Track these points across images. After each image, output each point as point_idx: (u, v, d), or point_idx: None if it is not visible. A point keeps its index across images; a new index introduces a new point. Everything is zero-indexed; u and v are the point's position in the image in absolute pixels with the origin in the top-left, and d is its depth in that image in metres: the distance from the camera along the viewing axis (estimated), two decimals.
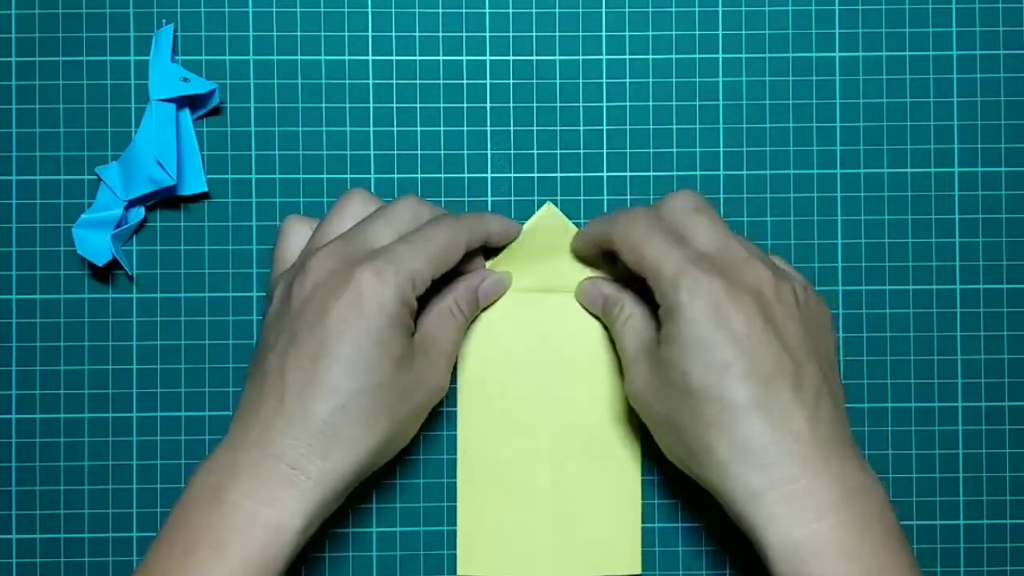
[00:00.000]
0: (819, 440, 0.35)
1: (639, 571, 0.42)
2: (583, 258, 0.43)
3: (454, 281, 0.42)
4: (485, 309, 0.43)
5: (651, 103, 0.44)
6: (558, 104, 0.44)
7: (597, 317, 0.43)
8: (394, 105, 0.43)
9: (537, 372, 0.43)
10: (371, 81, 0.43)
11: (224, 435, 0.37)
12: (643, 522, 0.43)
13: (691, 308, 0.36)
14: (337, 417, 0.36)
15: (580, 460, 0.42)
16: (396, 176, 0.43)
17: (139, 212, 0.43)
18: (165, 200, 0.43)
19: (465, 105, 0.44)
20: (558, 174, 0.44)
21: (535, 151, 0.44)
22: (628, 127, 0.44)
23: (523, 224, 0.43)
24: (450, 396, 0.43)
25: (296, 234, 0.41)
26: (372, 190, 0.43)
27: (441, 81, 0.43)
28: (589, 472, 0.42)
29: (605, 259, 0.42)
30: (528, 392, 0.42)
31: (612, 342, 0.42)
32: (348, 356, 0.36)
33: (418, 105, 0.43)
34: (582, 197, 0.43)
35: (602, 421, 0.42)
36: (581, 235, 0.42)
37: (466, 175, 0.43)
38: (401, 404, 0.38)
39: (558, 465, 0.42)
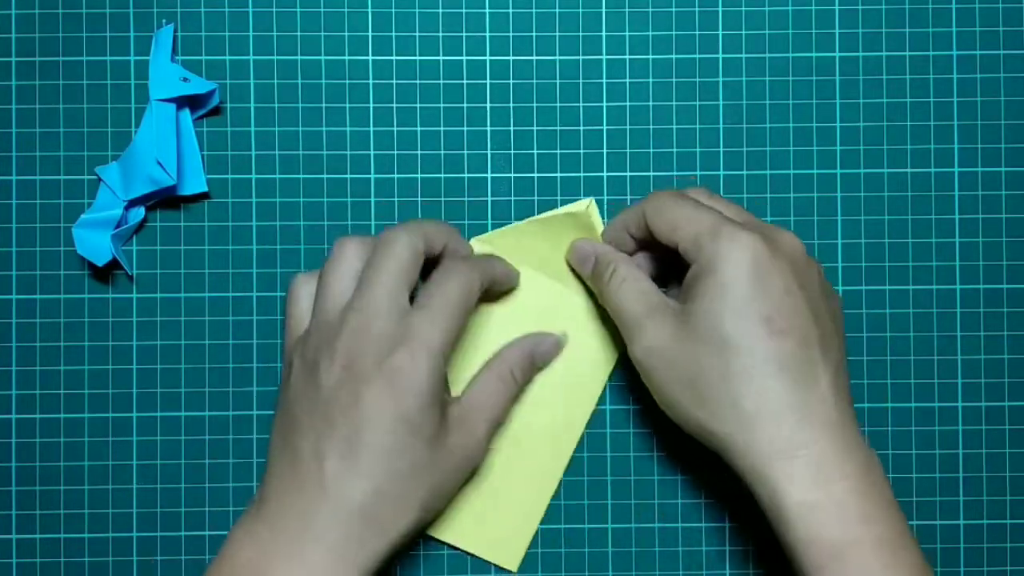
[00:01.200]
0: (839, 406, 0.36)
1: (514, 570, 0.43)
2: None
3: (509, 344, 0.42)
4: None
5: (651, 103, 0.44)
6: (558, 104, 0.44)
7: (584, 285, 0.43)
8: (394, 105, 0.43)
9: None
10: (371, 81, 0.43)
11: (253, 495, 0.38)
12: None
13: (733, 261, 0.36)
14: (373, 501, 0.36)
15: (519, 444, 0.43)
16: (396, 176, 0.43)
17: (139, 212, 0.43)
18: (165, 200, 0.43)
19: (465, 105, 0.44)
20: (558, 174, 0.44)
21: (535, 151, 0.44)
22: (628, 127, 0.44)
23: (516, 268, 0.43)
24: None
25: (307, 295, 0.40)
26: (372, 190, 0.43)
27: (441, 81, 0.43)
28: (519, 458, 0.43)
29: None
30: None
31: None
32: (383, 443, 0.36)
33: (418, 105, 0.43)
34: (582, 197, 0.43)
35: (548, 418, 0.43)
36: (610, 226, 0.42)
37: (466, 175, 0.43)
38: (434, 480, 0.38)
39: (498, 444, 0.43)
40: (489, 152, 0.44)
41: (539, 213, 0.43)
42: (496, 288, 0.42)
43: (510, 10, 0.43)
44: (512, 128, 0.44)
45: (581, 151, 0.44)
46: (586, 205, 0.43)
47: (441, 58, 0.43)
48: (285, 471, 0.38)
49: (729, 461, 0.37)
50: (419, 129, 0.43)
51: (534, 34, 0.43)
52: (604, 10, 0.44)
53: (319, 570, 0.36)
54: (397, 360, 0.37)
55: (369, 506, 0.36)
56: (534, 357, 0.42)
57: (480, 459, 0.40)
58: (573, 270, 0.43)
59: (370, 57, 0.43)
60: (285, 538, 0.36)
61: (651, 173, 0.44)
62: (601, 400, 0.43)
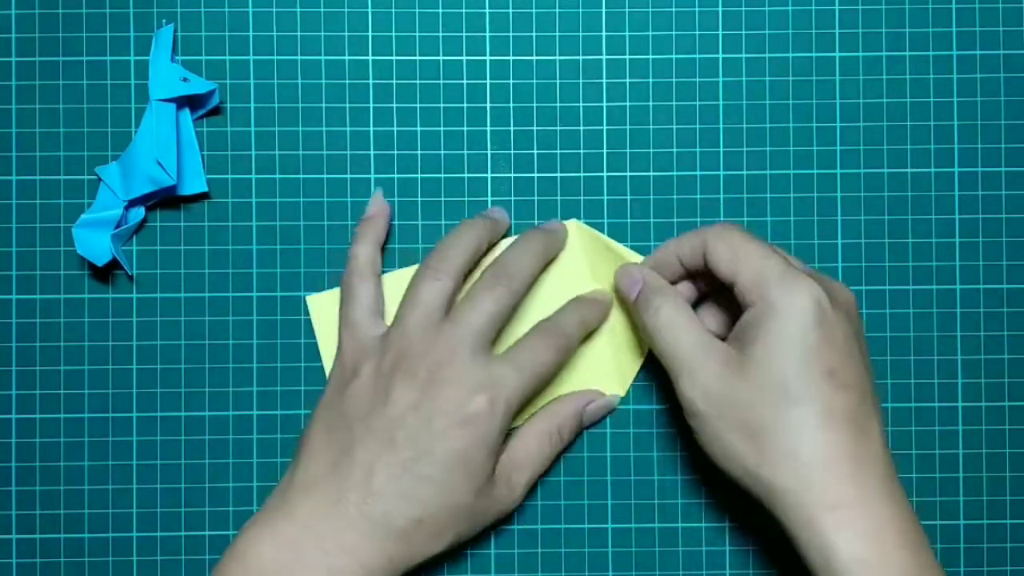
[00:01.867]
0: (887, 458, 0.36)
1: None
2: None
3: (560, 399, 0.42)
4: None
5: (651, 103, 0.44)
6: (558, 104, 0.44)
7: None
8: (394, 105, 0.43)
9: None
10: (371, 81, 0.43)
11: (277, 485, 0.39)
12: (545, 524, 0.43)
13: (798, 309, 0.36)
14: (412, 528, 0.37)
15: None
16: (396, 176, 0.43)
17: (139, 212, 0.43)
18: (165, 200, 0.43)
19: (465, 105, 0.44)
20: (558, 174, 0.44)
21: (535, 151, 0.44)
22: (628, 127, 0.44)
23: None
24: None
25: (367, 294, 0.41)
26: (372, 190, 0.43)
27: (441, 81, 0.43)
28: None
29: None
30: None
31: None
32: (438, 477, 0.37)
33: (418, 105, 0.43)
34: (582, 197, 0.43)
35: None
36: (661, 249, 0.41)
37: (466, 175, 0.43)
38: (470, 523, 0.39)
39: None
40: (489, 152, 0.44)
41: (539, 213, 0.43)
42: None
43: (510, 10, 0.43)
44: (512, 128, 0.44)
45: (581, 151, 0.44)
46: (574, 228, 0.43)
47: (441, 58, 0.43)
48: (324, 475, 0.38)
49: (776, 510, 0.36)
50: (419, 129, 0.43)
51: (534, 34, 0.43)
52: (604, 10, 0.44)
53: None
54: (478, 405, 0.37)
55: (406, 531, 0.37)
56: (583, 417, 0.42)
57: (514, 508, 0.41)
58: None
59: (370, 57, 0.43)
60: (313, 544, 0.36)
61: (651, 173, 0.44)
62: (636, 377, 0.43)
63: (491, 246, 0.42)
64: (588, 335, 0.43)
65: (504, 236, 0.43)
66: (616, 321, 0.43)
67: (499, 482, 0.39)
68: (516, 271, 0.40)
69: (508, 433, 0.40)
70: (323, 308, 0.43)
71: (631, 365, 0.43)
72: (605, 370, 0.43)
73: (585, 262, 0.43)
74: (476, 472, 0.38)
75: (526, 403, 0.39)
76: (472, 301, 0.39)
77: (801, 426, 0.35)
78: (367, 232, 0.42)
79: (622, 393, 0.43)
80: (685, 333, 0.38)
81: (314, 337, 0.43)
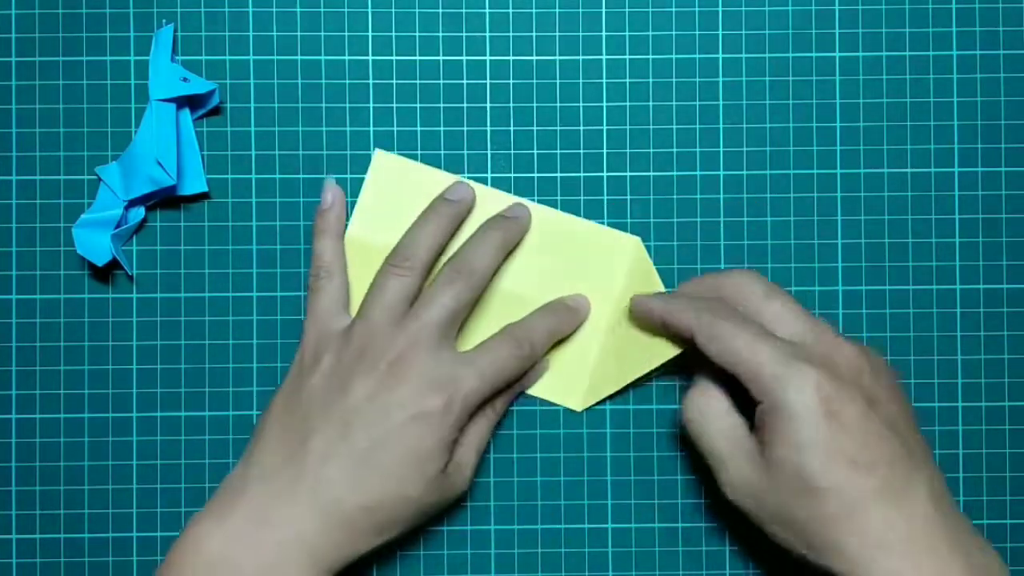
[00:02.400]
0: (944, 521, 0.35)
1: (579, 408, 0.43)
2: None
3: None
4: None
5: (651, 103, 0.44)
6: (558, 104, 0.44)
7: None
8: (394, 105, 0.43)
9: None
10: (371, 81, 0.43)
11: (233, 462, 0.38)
12: (545, 524, 0.43)
13: (801, 406, 0.35)
14: (362, 516, 0.37)
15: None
16: None
17: (139, 212, 0.43)
18: (165, 200, 0.43)
19: (465, 105, 0.44)
20: (558, 174, 0.44)
21: (535, 151, 0.44)
22: (628, 127, 0.44)
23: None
24: None
25: (333, 289, 0.41)
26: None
27: (441, 81, 0.43)
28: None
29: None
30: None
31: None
32: (391, 469, 0.37)
33: (418, 105, 0.43)
34: (582, 197, 0.43)
35: None
36: (647, 308, 0.40)
37: (466, 175, 0.43)
38: (422, 509, 0.39)
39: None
40: (489, 152, 0.44)
41: None
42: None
43: (510, 10, 0.43)
44: (512, 128, 0.43)
45: (581, 151, 0.44)
46: (634, 245, 0.43)
47: (441, 58, 0.43)
48: (278, 463, 0.38)
49: None
50: (419, 129, 0.43)
51: (534, 34, 0.43)
52: (604, 10, 0.43)
53: (292, 567, 0.36)
54: (434, 403, 0.38)
55: (356, 519, 0.37)
56: (515, 391, 0.43)
57: (464, 490, 0.41)
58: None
59: (370, 57, 0.43)
60: (264, 533, 0.37)
61: (651, 173, 0.44)
62: (602, 400, 0.43)
63: (457, 227, 0.42)
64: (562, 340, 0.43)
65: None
66: (616, 331, 0.43)
67: (451, 472, 0.40)
68: (476, 266, 0.40)
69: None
70: (383, 168, 0.43)
71: (607, 384, 0.43)
72: (579, 375, 0.43)
73: (622, 281, 0.43)
74: (428, 466, 0.38)
75: (483, 398, 0.39)
76: (433, 297, 0.39)
77: (838, 518, 0.35)
78: (327, 227, 0.42)
79: (579, 408, 0.43)
80: (714, 424, 0.38)
81: None
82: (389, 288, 0.40)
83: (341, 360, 0.39)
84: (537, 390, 0.43)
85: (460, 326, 0.41)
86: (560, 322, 0.42)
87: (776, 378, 0.36)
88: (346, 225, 0.43)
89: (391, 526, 0.38)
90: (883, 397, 0.37)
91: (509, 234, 0.42)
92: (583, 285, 0.43)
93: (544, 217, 0.43)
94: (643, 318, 0.41)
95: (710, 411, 0.39)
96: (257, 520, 0.37)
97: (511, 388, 0.42)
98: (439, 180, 0.43)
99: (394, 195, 0.43)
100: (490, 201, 0.43)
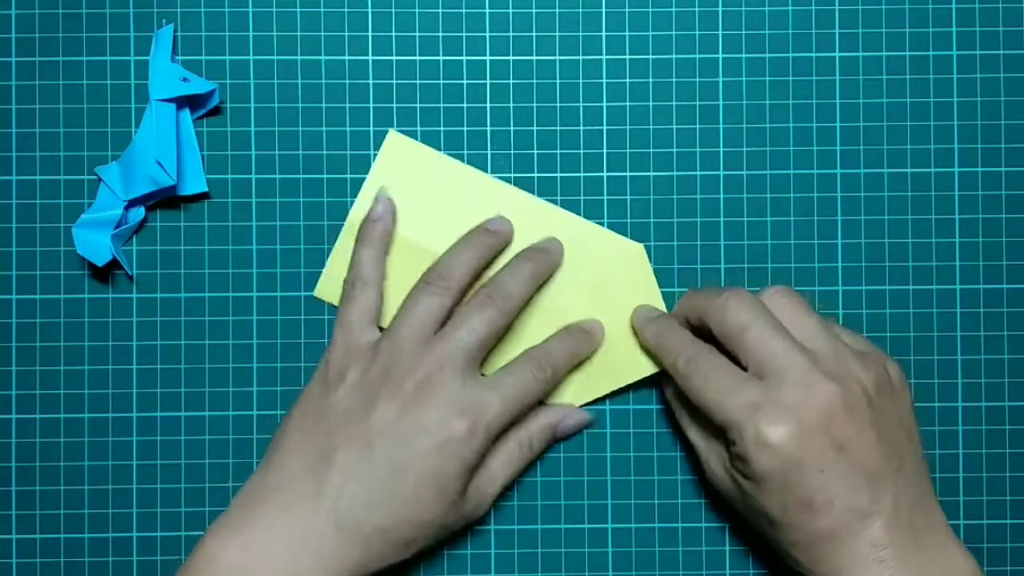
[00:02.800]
0: (897, 538, 0.36)
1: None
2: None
3: (535, 412, 0.42)
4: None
5: (651, 103, 0.44)
6: (558, 104, 0.44)
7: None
8: (394, 105, 0.43)
9: None
10: (371, 81, 0.43)
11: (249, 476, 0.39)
12: (545, 524, 0.43)
13: (766, 458, 0.36)
14: (378, 536, 0.37)
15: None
16: None
17: (139, 212, 0.43)
18: (165, 200, 0.43)
19: (465, 105, 0.44)
20: (558, 174, 0.44)
21: (535, 151, 0.44)
22: (628, 127, 0.44)
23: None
24: None
25: (365, 300, 0.41)
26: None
27: (441, 81, 0.43)
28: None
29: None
30: None
31: None
32: (411, 494, 0.37)
33: (418, 105, 0.43)
34: (582, 197, 0.43)
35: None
36: (639, 329, 0.42)
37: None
38: (437, 534, 0.40)
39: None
40: (489, 152, 0.44)
41: None
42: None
43: (510, 10, 0.43)
44: (512, 128, 0.43)
45: (581, 151, 0.44)
46: (637, 252, 0.43)
47: (441, 58, 0.43)
48: (298, 477, 0.38)
49: None
50: (419, 129, 0.43)
51: (534, 34, 0.43)
52: (604, 10, 0.43)
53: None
54: (458, 429, 0.38)
55: (372, 540, 0.37)
56: (556, 431, 0.42)
57: (481, 516, 0.41)
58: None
59: (370, 57, 0.43)
60: (281, 546, 0.37)
61: (651, 173, 0.44)
62: (602, 400, 0.43)
63: (493, 258, 0.42)
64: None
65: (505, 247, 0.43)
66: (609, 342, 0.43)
67: (470, 496, 0.40)
68: (510, 293, 0.40)
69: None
70: (396, 148, 0.43)
71: (598, 387, 0.43)
72: (571, 374, 0.43)
73: (623, 289, 0.43)
74: (449, 491, 0.38)
75: (507, 424, 0.40)
76: (464, 320, 0.39)
77: (799, 546, 0.37)
78: (372, 237, 0.42)
79: (577, 403, 0.43)
80: (697, 435, 0.41)
81: (313, 336, 0.43)
82: (421, 305, 0.39)
83: (367, 376, 0.39)
84: None
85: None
86: (578, 344, 0.42)
87: (741, 433, 0.37)
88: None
89: (407, 546, 0.38)
90: (858, 429, 0.37)
91: (541, 267, 0.42)
92: (586, 288, 0.43)
93: (550, 217, 0.43)
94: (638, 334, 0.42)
95: (692, 405, 0.40)
96: (274, 532, 0.37)
97: (549, 426, 0.42)
98: (451, 168, 0.43)
99: (403, 179, 0.43)
100: (503, 197, 0.43)
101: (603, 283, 0.43)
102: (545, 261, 0.42)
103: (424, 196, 0.43)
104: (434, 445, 0.37)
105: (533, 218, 0.43)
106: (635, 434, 0.43)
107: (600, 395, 0.43)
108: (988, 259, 0.44)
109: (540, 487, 0.43)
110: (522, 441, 0.41)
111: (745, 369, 0.38)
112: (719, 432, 0.39)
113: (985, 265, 0.44)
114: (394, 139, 0.43)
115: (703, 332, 0.40)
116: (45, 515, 0.43)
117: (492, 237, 0.42)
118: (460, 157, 0.43)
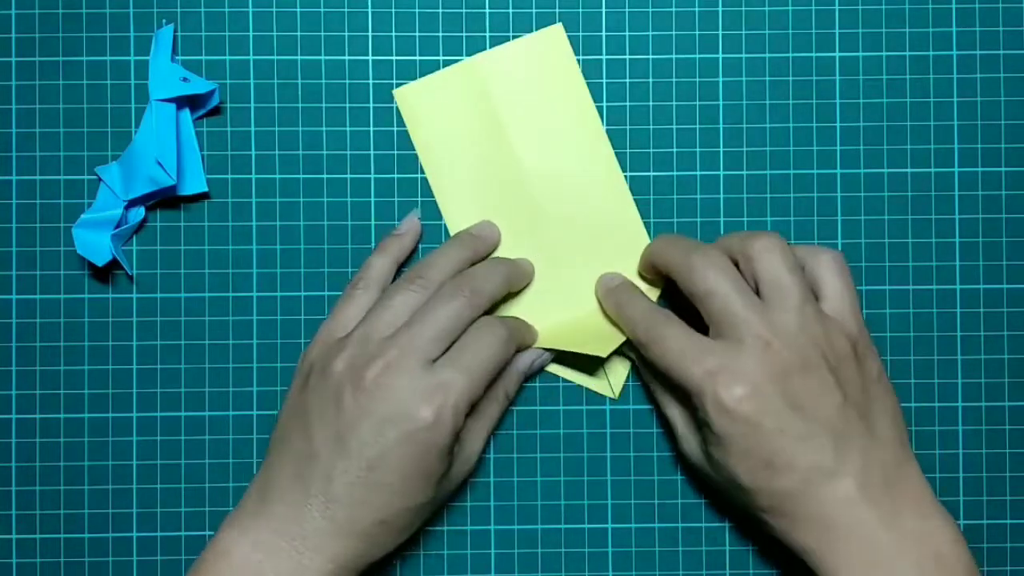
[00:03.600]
0: (871, 498, 0.36)
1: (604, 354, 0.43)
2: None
3: (506, 370, 0.42)
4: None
5: (651, 103, 0.44)
6: None
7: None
8: (394, 105, 0.43)
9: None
10: (371, 81, 0.43)
11: (245, 495, 0.39)
12: (544, 524, 0.43)
13: (724, 423, 0.37)
14: (375, 528, 0.38)
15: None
16: (396, 176, 0.43)
17: (139, 212, 0.43)
18: (165, 200, 0.43)
19: None
20: None
21: None
22: (628, 127, 0.44)
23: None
24: None
25: (362, 304, 0.41)
26: (372, 190, 0.43)
27: None
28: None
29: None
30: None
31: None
32: (396, 484, 0.37)
33: None
34: None
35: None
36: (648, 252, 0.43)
37: None
38: (435, 506, 0.40)
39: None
40: None
41: None
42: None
43: (510, 10, 0.43)
44: None
45: None
46: (556, 32, 0.43)
47: (441, 58, 0.43)
48: (290, 479, 0.38)
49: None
50: None
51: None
52: (604, 10, 0.44)
53: (316, 574, 0.37)
54: (424, 415, 0.37)
55: (372, 531, 0.38)
56: (522, 373, 0.43)
57: (474, 467, 0.41)
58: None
59: (370, 57, 0.43)
60: (286, 543, 0.37)
61: (651, 173, 0.44)
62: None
63: (476, 262, 0.42)
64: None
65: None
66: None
67: (456, 463, 0.40)
68: (480, 288, 0.40)
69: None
70: (410, 99, 0.43)
71: (556, 341, 0.43)
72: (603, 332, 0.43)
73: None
74: (432, 472, 0.38)
75: (477, 398, 0.39)
76: (429, 310, 0.39)
77: (767, 510, 0.38)
78: (390, 249, 0.42)
79: (604, 354, 0.42)
80: (671, 406, 0.41)
81: (313, 336, 0.43)
82: (396, 300, 0.40)
83: (335, 370, 0.38)
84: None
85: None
86: (513, 271, 0.42)
87: (699, 397, 0.37)
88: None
89: (409, 527, 0.39)
90: (818, 392, 0.37)
91: (516, 276, 0.42)
92: (588, 254, 0.43)
93: (601, 173, 0.43)
94: (643, 265, 0.43)
95: (675, 415, 0.41)
96: (279, 532, 0.37)
97: (520, 372, 0.42)
98: (456, 73, 0.43)
99: (436, 116, 0.43)
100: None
101: (605, 261, 0.43)
102: (520, 272, 0.43)
103: (463, 113, 0.43)
104: (403, 435, 0.37)
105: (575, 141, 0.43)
106: (635, 434, 0.43)
107: (579, 352, 0.42)
108: (988, 259, 0.44)
109: (540, 487, 0.43)
110: (498, 395, 0.42)
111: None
112: (687, 401, 0.39)
113: (985, 265, 0.44)
114: (402, 94, 0.43)
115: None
116: (45, 515, 0.43)
117: (475, 240, 0.42)
118: None
